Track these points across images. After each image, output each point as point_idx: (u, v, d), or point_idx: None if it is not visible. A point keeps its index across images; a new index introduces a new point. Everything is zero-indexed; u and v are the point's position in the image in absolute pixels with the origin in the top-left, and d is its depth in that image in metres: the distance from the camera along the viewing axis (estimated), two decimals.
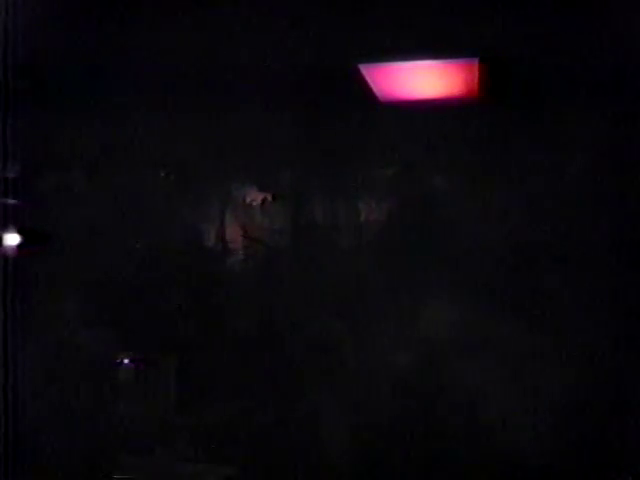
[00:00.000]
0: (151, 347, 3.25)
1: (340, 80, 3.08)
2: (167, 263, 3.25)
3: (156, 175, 3.25)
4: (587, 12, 2.94)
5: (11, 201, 3.26)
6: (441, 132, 3.05)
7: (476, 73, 3.04)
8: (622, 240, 2.93)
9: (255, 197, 3.20)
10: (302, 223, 3.18)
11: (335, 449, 3.11)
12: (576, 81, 2.96)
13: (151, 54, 3.21)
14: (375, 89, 3.09)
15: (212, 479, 3.17)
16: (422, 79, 3.08)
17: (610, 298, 2.92)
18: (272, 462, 3.12)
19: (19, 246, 3.24)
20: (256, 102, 3.14)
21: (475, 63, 3.03)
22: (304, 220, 3.17)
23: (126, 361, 3.25)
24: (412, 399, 3.04)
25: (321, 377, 3.12)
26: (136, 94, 3.22)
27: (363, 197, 3.13)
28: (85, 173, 3.28)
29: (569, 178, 2.97)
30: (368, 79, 3.08)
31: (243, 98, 3.15)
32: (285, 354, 3.14)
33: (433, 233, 3.09)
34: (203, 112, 3.18)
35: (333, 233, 3.16)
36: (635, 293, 2.89)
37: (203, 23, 3.18)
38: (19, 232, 3.25)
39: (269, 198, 3.19)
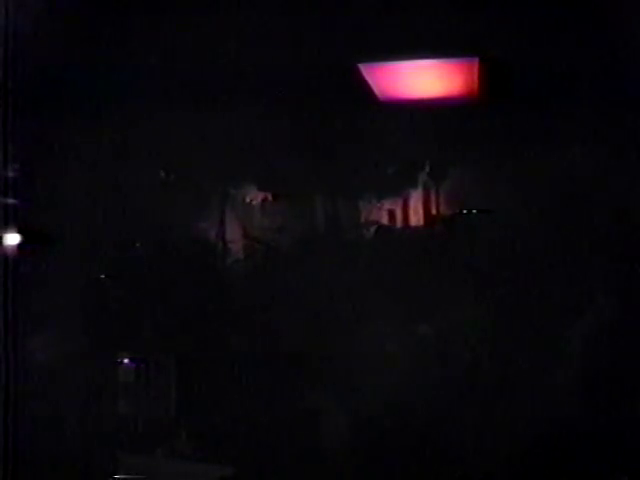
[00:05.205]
0: (151, 347, 3.25)
1: (340, 80, 3.08)
2: (167, 263, 3.25)
3: (156, 175, 3.25)
4: (587, 11, 2.94)
5: (11, 201, 3.26)
6: (441, 131, 3.06)
7: (476, 73, 3.04)
8: (622, 239, 2.94)
9: (255, 196, 3.20)
10: (302, 223, 3.18)
11: (334, 450, 3.11)
12: (576, 81, 2.96)
13: (151, 54, 3.21)
14: (375, 89, 3.09)
15: (211, 479, 3.17)
16: (422, 78, 3.09)
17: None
18: (271, 462, 3.12)
19: (19, 246, 3.23)
20: (256, 102, 3.14)
21: (475, 63, 3.04)
22: (304, 220, 3.18)
23: (126, 361, 3.25)
24: (414, 400, 3.05)
25: (322, 377, 3.12)
26: (136, 94, 3.22)
27: (364, 197, 3.13)
28: (85, 173, 3.28)
29: (570, 177, 2.97)
30: (368, 79, 3.09)
31: (243, 97, 3.15)
32: (285, 354, 3.13)
33: (432, 232, 3.09)
34: (203, 112, 3.18)
35: (333, 233, 3.16)
36: None
37: (203, 23, 3.18)
38: (19, 232, 3.24)
39: (269, 197, 3.19)
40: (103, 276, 3.27)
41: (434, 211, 3.09)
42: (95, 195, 3.27)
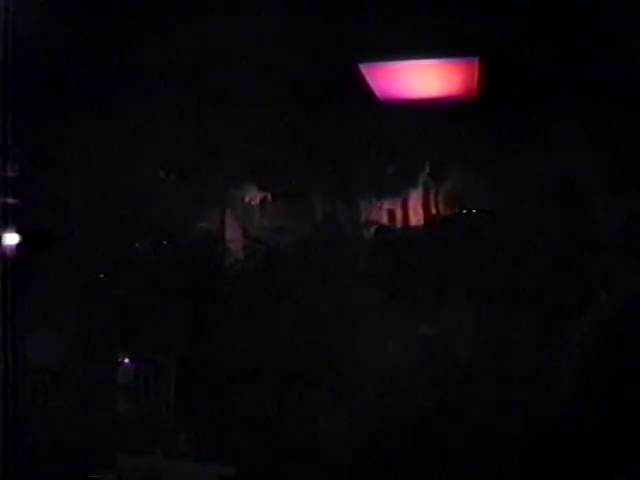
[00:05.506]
0: (151, 347, 3.25)
1: (340, 80, 3.08)
2: (166, 263, 3.25)
3: (156, 175, 3.25)
4: (588, 11, 2.94)
5: (11, 201, 3.25)
6: (441, 131, 3.06)
7: (476, 73, 3.04)
8: (621, 239, 2.94)
9: (255, 196, 3.20)
10: (302, 223, 3.18)
11: (334, 450, 3.10)
12: (577, 81, 2.96)
13: (151, 54, 3.21)
14: (375, 89, 3.09)
15: (211, 479, 3.17)
16: (422, 78, 3.09)
17: None
18: (271, 462, 3.12)
19: (19, 246, 3.23)
20: (256, 102, 3.14)
21: (475, 63, 3.04)
22: (304, 220, 3.18)
23: (126, 361, 3.25)
24: (414, 400, 3.05)
25: (322, 377, 3.12)
26: (136, 94, 3.22)
27: (364, 197, 3.13)
28: (85, 173, 3.28)
29: (570, 177, 2.97)
30: (368, 79, 3.09)
31: (243, 97, 3.15)
32: (285, 354, 3.13)
33: (432, 232, 3.10)
34: (203, 112, 3.18)
35: (333, 233, 3.16)
36: None
37: (202, 23, 3.18)
38: (19, 232, 3.24)
39: (269, 197, 3.19)
40: (103, 276, 3.27)
41: (434, 211, 3.09)
42: (95, 195, 3.27)
